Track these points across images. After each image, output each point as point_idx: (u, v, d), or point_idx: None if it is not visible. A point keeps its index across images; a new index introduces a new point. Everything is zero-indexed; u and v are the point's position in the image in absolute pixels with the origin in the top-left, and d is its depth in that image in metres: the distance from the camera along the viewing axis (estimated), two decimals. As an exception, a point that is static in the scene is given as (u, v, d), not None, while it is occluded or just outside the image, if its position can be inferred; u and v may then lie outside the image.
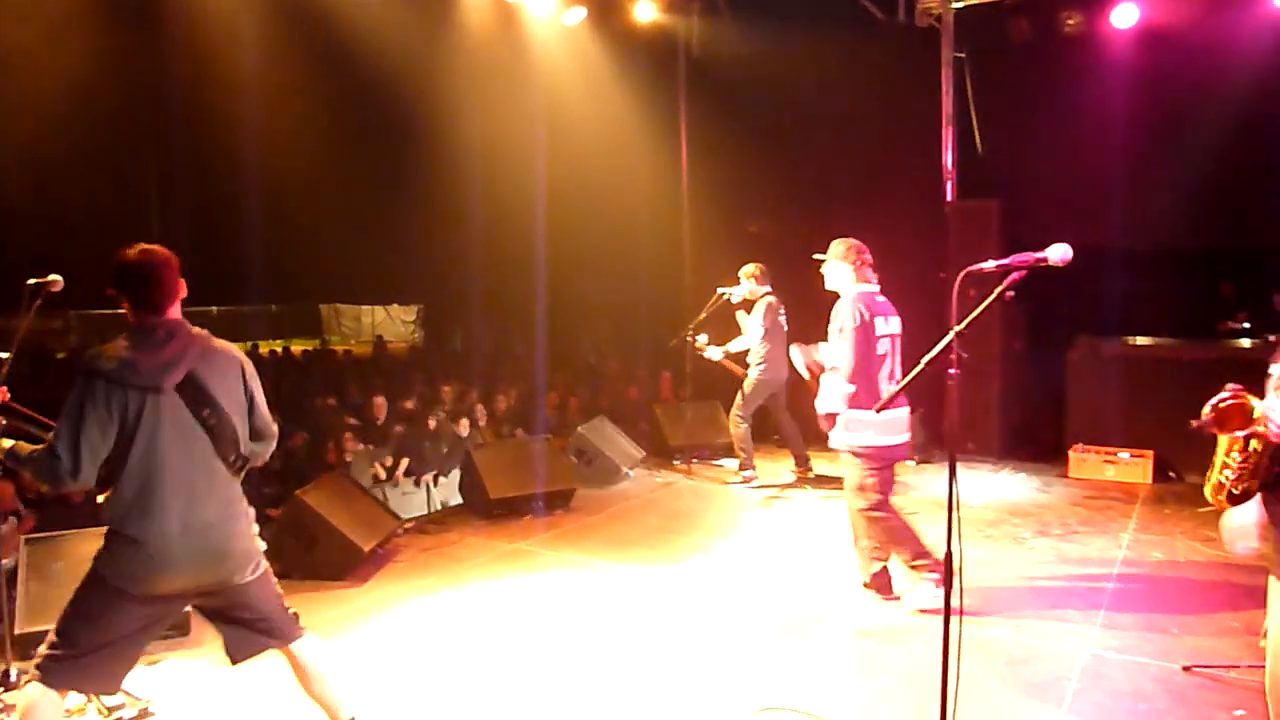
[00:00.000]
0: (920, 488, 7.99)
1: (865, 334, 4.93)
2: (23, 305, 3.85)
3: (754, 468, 8.19)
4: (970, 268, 3.05)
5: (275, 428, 3.37)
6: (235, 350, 3.26)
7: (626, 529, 6.91)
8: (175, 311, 3.15)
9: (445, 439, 8.98)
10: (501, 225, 13.50)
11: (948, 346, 3.10)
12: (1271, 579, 2.69)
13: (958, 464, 3.02)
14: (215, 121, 14.25)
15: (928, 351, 3.20)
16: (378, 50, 10.50)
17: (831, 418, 5.04)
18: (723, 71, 10.50)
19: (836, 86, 9.52)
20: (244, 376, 3.23)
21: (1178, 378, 7.45)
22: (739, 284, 8.12)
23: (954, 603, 3.02)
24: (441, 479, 8.58)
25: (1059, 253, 2.99)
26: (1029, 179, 9.11)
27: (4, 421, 3.30)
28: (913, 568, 5.04)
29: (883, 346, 5.02)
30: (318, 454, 8.27)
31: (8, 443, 3.12)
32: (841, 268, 5.19)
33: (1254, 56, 8.24)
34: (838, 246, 5.24)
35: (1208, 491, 2.45)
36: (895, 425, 4.95)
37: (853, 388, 4.90)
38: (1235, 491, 2.33)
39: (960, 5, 9.22)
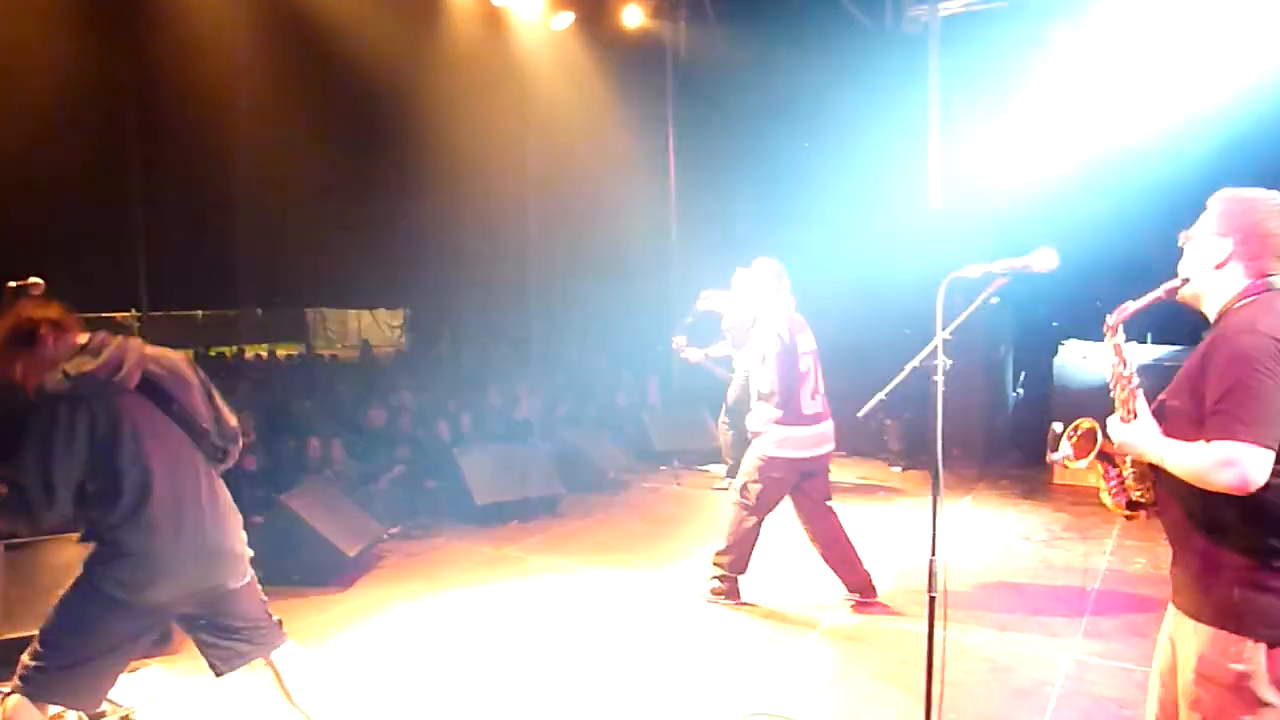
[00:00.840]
0: (905, 494, 8.01)
1: (789, 357, 5.08)
2: (2, 309, 3.82)
3: (740, 474, 8.18)
4: (954, 273, 3.05)
5: (236, 421, 3.28)
6: (174, 354, 3.19)
7: (612, 534, 6.90)
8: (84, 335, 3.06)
9: (430, 444, 8.94)
10: (489, 229, 13.49)
11: (931, 353, 3.11)
12: None
13: (943, 472, 3.03)
14: (202, 127, 14.19)
15: (912, 358, 3.21)
16: (366, 55, 10.49)
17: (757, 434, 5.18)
18: (710, 76, 10.53)
19: (823, 92, 9.55)
20: (194, 369, 3.18)
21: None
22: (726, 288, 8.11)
23: (937, 609, 3.02)
24: (427, 484, 8.54)
25: (1044, 258, 3.00)
26: (1013, 185, 9.15)
27: None
28: (715, 566, 5.26)
29: (805, 364, 5.15)
30: (302, 459, 8.22)
31: None
32: (763, 289, 5.28)
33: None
34: (757, 268, 5.33)
35: (1112, 506, 2.45)
36: (805, 441, 5.13)
37: (780, 413, 5.05)
38: (1142, 500, 2.33)
39: (947, 13, 9.26)
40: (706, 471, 8.82)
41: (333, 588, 5.68)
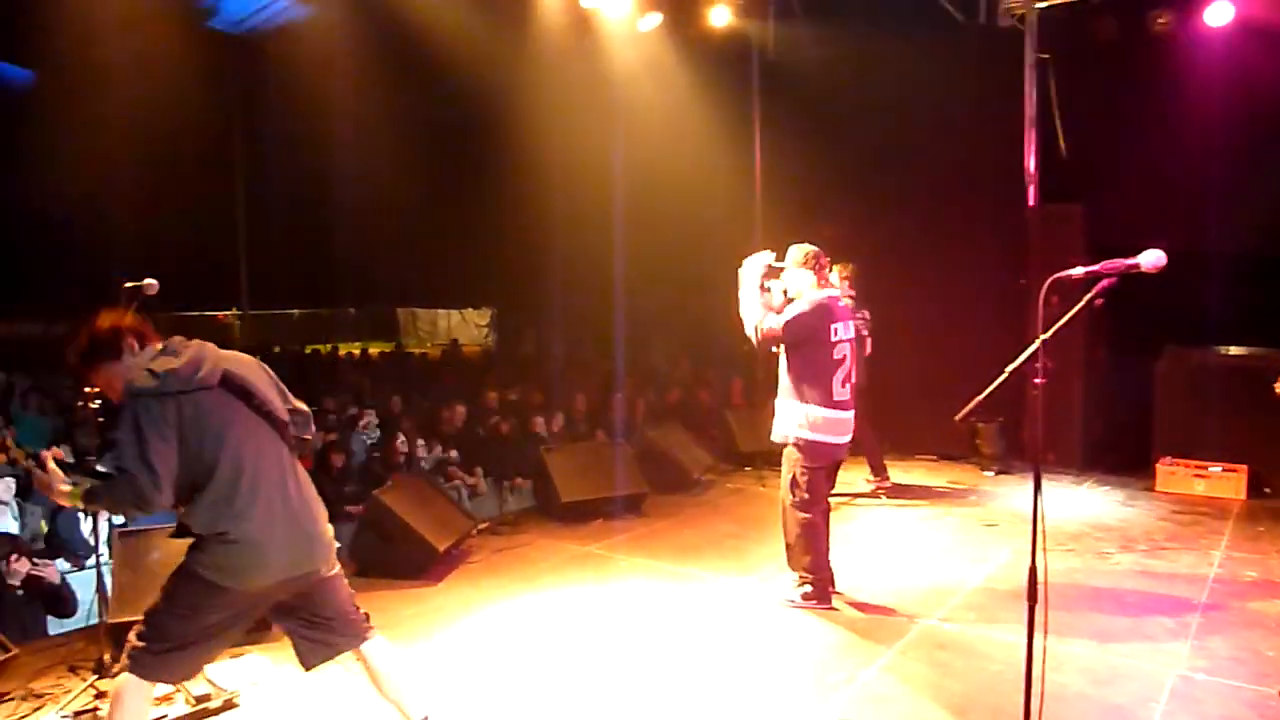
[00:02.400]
0: (1000, 499, 7.81)
1: (819, 340, 5.06)
2: (120, 308, 4.01)
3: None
4: (1058, 274, 2.96)
5: (309, 412, 3.44)
6: (239, 353, 3.34)
7: (698, 535, 6.89)
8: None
9: (518, 441, 9.08)
10: (576, 230, 13.59)
11: (1032, 355, 3.02)
12: None
13: (1040, 476, 2.94)
14: (301, 137, 14.65)
15: (1007, 361, 3.13)
16: (457, 60, 10.68)
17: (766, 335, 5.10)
18: (798, 75, 10.41)
19: (914, 89, 9.35)
20: (266, 372, 3.32)
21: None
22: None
23: (1037, 618, 2.94)
24: (516, 481, 8.68)
25: (1152, 258, 2.89)
26: (1114, 183, 8.83)
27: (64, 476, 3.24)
28: (799, 575, 5.24)
29: (840, 351, 5.12)
30: (394, 455, 8.42)
31: (81, 487, 3.11)
32: (802, 274, 5.25)
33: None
34: (796, 253, 5.30)
35: None
36: (838, 425, 5.11)
37: (810, 394, 5.04)
38: None
39: (1044, 5, 8.99)
40: (792, 473, 8.73)
41: (424, 582, 5.80)
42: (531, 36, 10.53)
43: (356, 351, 17.94)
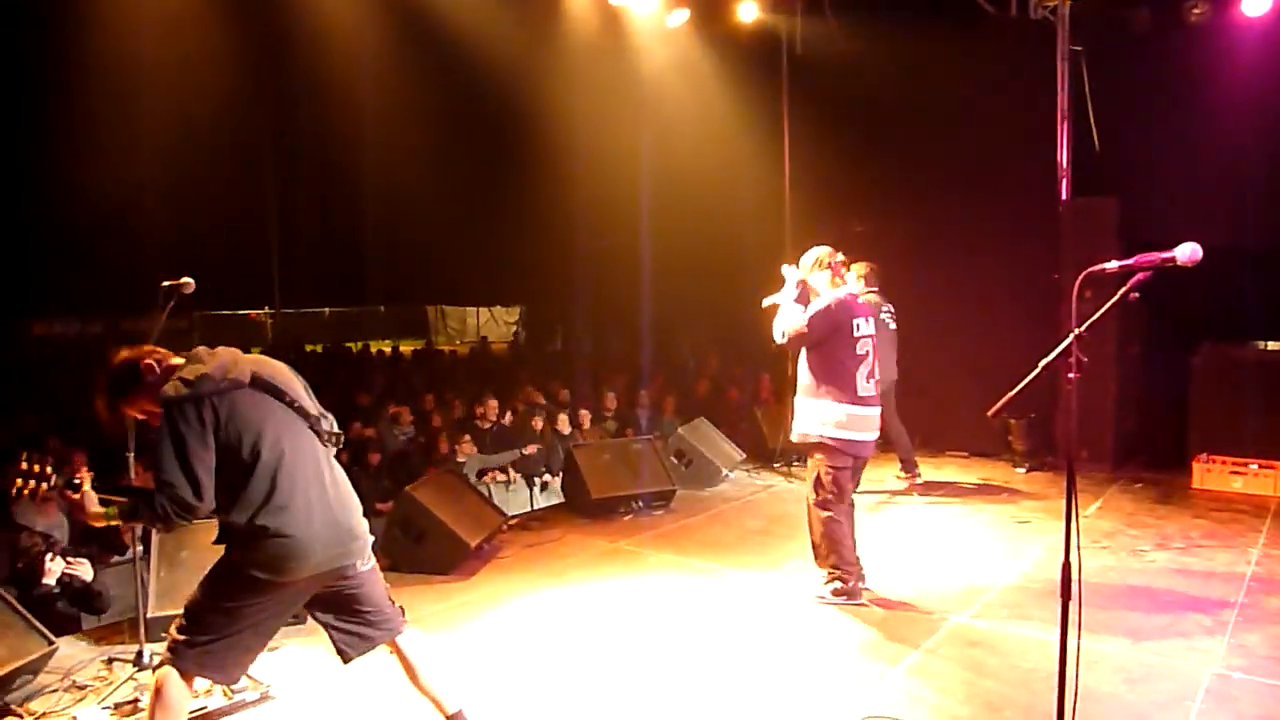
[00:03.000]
0: (1032, 495, 7.75)
1: (839, 337, 5.07)
2: (158, 306, 4.09)
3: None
4: (1092, 268, 2.93)
5: (332, 418, 3.46)
6: (265, 356, 3.39)
7: (726, 531, 6.90)
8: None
9: (547, 438, 9.12)
10: (603, 226, 13.63)
11: (1065, 350, 3.00)
12: None
13: (1073, 472, 2.92)
14: (331, 139, 14.80)
15: (1039, 356, 3.10)
16: (486, 59, 10.74)
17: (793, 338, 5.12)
18: (827, 70, 10.37)
19: (945, 83, 9.29)
20: (295, 373, 3.35)
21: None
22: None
23: (1071, 616, 2.91)
24: (545, 477, 8.72)
25: (1188, 252, 2.86)
26: (1149, 176, 8.73)
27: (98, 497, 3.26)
28: (827, 571, 5.25)
29: (862, 347, 5.13)
30: (425, 451, 8.50)
31: (114, 508, 3.13)
32: (819, 276, 5.27)
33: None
34: (808, 259, 5.31)
35: None
36: (863, 422, 5.11)
37: (834, 390, 5.05)
38: None
39: (1077, -3, 8.90)
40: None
41: (456, 576, 5.85)
42: (560, 34, 10.56)
43: (388, 349, 18.10)
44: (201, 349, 3.21)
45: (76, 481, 3.22)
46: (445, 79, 12.65)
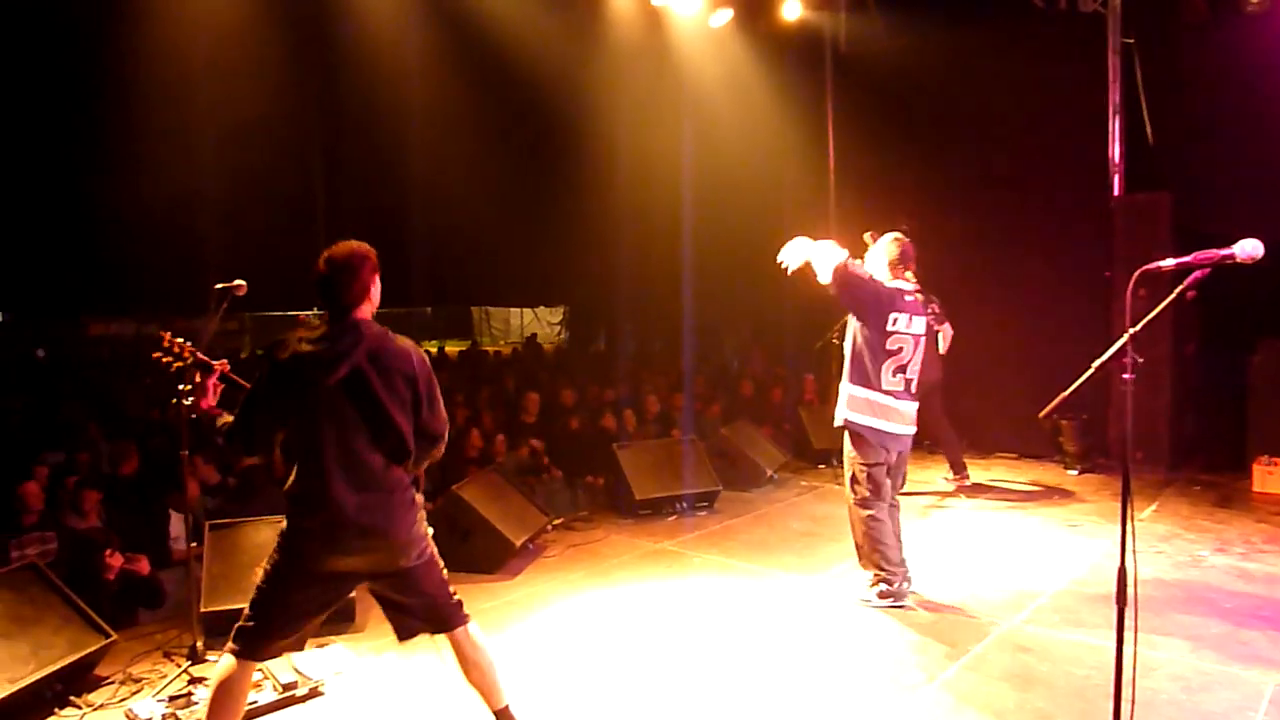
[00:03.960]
0: (1083, 498, 7.60)
1: (878, 329, 4.98)
2: (211, 308, 4.16)
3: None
4: (1148, 266, 2.86)
5: (445, 430, 3.43)
6: (412, 350, 3.35)
7: (771, 533, 6.85)
8: (362, 313, 3.30)
9: (590, 438, 9.12)
10: (647, 226, 13.63)
11: (1119, 350, 2.93)
12: None
13: (1129, 474, 2.85)
14: (377, 142, 14.97)
15: (1091, 356, 3.03)
16: (529, 61, 10.78)
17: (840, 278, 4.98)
18: (871, 67, 10.27)
19: (993, 79, 9.15)
20: (415, 377, 3.31)
21: None
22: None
23: (1127, 621, 2.85)
24: (588, 478, 8.72)
25: (1248, 248, 2.78)
26: (1205, 171, 8.51)
27: (222, 387, 3.68)
28: (872, 573, 5.17)
29: (896, 342, 5.03)
30: (469, 450, 8.54)
31: (216, 413, 3.52)
32: (880, 260, 5.20)
33: None
34: (887, 239, 5.26)
35: None
36: (889, 413, 5.02)
37: (861, 379, 5.02)
38: None
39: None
40: (867, 471, 8.60)
41: (501, 575, 5.89)
42: (602, 35, 10.57)
43: (434, 350, 18.27)
44: (342, 326, 3.24)
45: (212, 365, 3.67)
46: (489, 81, 12.73)
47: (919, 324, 5.13)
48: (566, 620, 5.14)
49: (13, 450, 7.06)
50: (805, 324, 10.55)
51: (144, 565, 5.40)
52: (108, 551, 5.27)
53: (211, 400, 3.59)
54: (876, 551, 5.12)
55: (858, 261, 5.08)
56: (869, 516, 5.10)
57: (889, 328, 5.01)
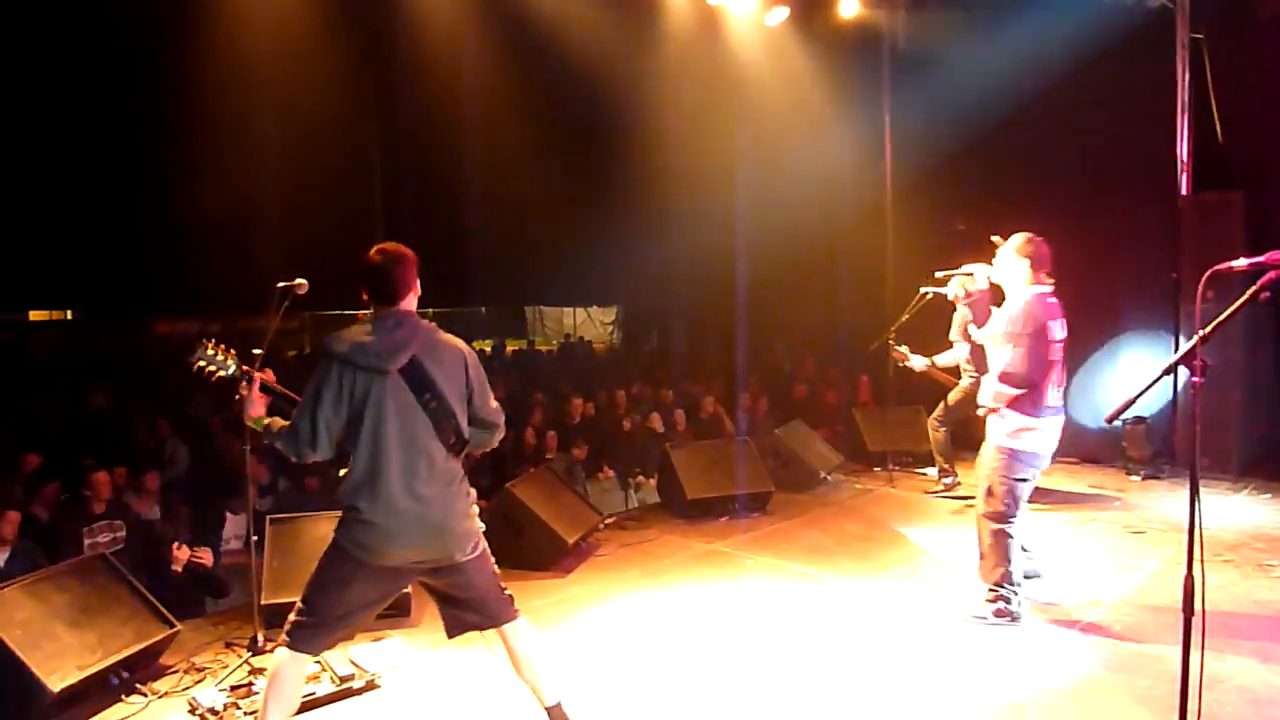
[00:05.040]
0: (1147, 505, 7.41)
1: (1039, 340, 4.70)
2: (273, 306, 4.25)
3: (955, 474, 7.83)
4: (1219, 266, 2.78)
5: (500, 418, 3.53)
6: (460, 343, 3.46)
7: (825, 535, 6.79)
8: (408, 304, 3.40)
9: (642, 438, 9.14)
10: (701, 227, 13.58)
11: (1189, 353, 2.84)
12: None
13: (1198, 480, 2.77)
14: (434, 146, 15.14)
15: (1156, 359, 2.95)
16: (584, 59, 10.81)
17: (989, 410, 4.88)
18: (931, 64, 10.10)
19: (1056, 75, 8.94)
20: (466, 367, 3.41)
21: None
22: (946, 284, 7.75)
23: (1194, 632, 2.76)
24: (640, 477, 8.74)
25: (1326, 250, 2.68)
26: (1277, 170, 8.24)
27: (266, 399, 3.66)
28: (989, 589, 4.89)
29: (1055, 353, 4.79)
30: (523, 449, 8.62)
31: (266, 419, 3.51)
32: (1018, 263, 4.88)
33: None
34: (1019, 239, 4.95)
35: None
36: (1046, 436, 4.81)
37: (1021, 397, 4.72)
38: None
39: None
40: (922, 474, 8.51)
41: (554, 573, 5.92)
42: (658, 34, 10.57)
43: (488, 348, 18.43)
44: (395, 316, 3.33)
45: (252, 374, 3.65)
46: (545, 82, 12.80)
47: (1064, 326, 4.90)
48: (618, 619, 5.15)
49: (82, 446, 7.29)
50: (860, 325, 10.44)
51: (208, 557, 5.54)
52: (175, 545, 5.42)
53: (260, 410, 3.57)
54: (1001, 567, 4.83)
55: (1001, 358, 4.79)
56: (1000, 530, 4.83)
57: (1051, 337, 4.75)
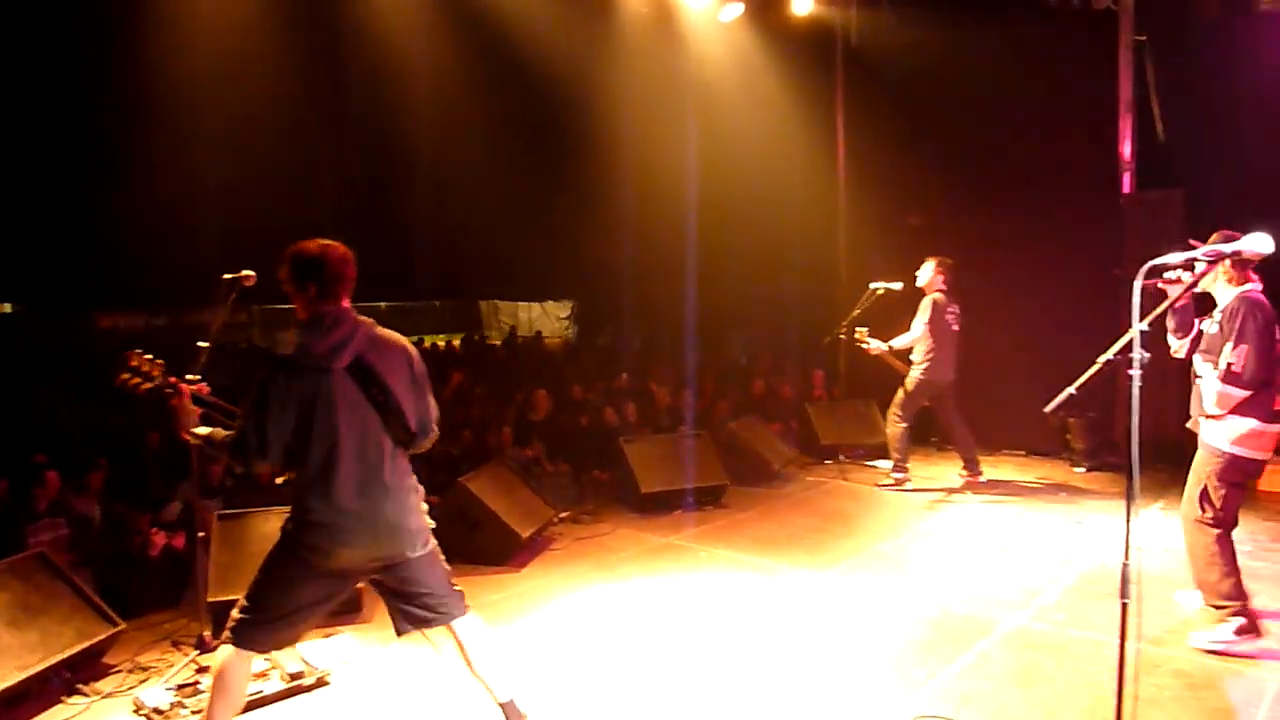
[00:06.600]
0: (1091, 496, 7.59)
1: (1268, 336, 4.34)
2: (220, 299, 4.18)
3: (907, 470, 7.95)
4: (1154, 261, 2.86)
5: (437, 414, 3.50)
6: (401, 339, 3.44)
7: (778, 528, 6.86)
8: (345, 302, 3.34)
9: (596, 432, 9.13)
10: (655, 221, 13.60)
11: (1126, 346, 2.92)
12: None
13: (1136, 471, 2.85)
14: (387, 129, 14.96)
15: (1098, 352, 3.03)
16: (537, 52, 10.76)
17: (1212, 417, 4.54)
18: (882, 62, 10.24)
19: (1004, 74, 9.11)
20: (410, 362, 3.40)
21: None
22: (895, 281, 7.89)
23: (1130, 617, 2.85)
24: (594, 472, 8.72)
25: (1256, 242, 2.77)
26: (1217, 167, 8.47)
27: (199, 411, 3.56)
28: (1215, 607, 4.53)
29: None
30: (480, 444, 8.56)
31: (205, 430, 3.41)
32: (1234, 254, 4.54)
33: None
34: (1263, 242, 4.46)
35: None
36: (1268, 439, 4.45)
37: (1244, 394, 4.36)
38: None
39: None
40: (874, 467, 8.62)
41: (507, 568, 5.91)
42: (613, 28, 10.56)
43: (441, 343, 18.29)
44: (334, 314, 3.26)
45: (179, 388, 3.53)
46: (497, 74, 12.70)
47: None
48: (573, 614, 5.15)
49: (29, 440, 7.10)
50: (813, 319, 10.56)
51: (181, 540, 5.44)
52: (153, 530, 5.32)
53: (194, 422, 3.46)
54: (1229, 578, 4.46)
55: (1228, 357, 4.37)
56: (1219, 536, 4.48)
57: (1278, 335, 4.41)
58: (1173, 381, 8.13)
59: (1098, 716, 3.80)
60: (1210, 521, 4.51)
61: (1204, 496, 4.52)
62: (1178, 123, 8.78)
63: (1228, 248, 2.75)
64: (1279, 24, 8.28)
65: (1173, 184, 8.44)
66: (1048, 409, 3.25)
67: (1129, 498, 2.80)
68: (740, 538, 6.59)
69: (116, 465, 6.43)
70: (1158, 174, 8.71)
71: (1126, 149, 8.87)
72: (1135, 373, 2.84)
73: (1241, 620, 4.42)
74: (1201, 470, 4.58)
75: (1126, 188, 8.89)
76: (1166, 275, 4.16)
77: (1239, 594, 4.46)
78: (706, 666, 4.39)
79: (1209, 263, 2.78)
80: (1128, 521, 2.80)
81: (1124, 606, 2.83)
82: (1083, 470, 8.48)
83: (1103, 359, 2.97)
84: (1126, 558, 2.81)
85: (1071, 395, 3.07)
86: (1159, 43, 8.78)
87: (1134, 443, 2.86)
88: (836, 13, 10.64)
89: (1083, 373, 3.13)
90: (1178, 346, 4.70)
